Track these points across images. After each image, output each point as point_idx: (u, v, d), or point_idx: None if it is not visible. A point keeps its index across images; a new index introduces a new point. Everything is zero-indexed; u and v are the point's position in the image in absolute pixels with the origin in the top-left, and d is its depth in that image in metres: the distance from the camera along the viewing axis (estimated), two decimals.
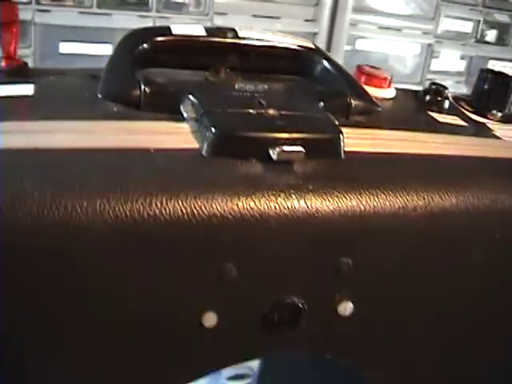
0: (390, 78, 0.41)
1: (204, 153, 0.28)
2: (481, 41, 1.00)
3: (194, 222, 0.26)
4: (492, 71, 0.44)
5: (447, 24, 0.97)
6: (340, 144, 0.30)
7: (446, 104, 0.42)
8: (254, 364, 0.47)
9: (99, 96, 0.32)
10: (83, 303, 0.26)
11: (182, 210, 0.26)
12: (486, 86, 0.44)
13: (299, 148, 0.28)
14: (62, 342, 0.26)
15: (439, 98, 0.42)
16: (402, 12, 0.91)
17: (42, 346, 0.26)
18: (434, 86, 0.42)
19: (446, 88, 0.43)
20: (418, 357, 0.33)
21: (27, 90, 0.33)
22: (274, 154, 0.28)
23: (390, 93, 0.41)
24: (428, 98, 0.42)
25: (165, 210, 0.26)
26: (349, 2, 0.87)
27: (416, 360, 0.33)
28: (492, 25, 1.02)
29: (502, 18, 1.02)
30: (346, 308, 0.30)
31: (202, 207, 0.26)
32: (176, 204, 0.26)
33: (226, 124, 0.29)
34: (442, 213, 0.30)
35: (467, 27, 1.00)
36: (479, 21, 0.99)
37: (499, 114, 0.43)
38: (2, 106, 0.31)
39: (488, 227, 0.31)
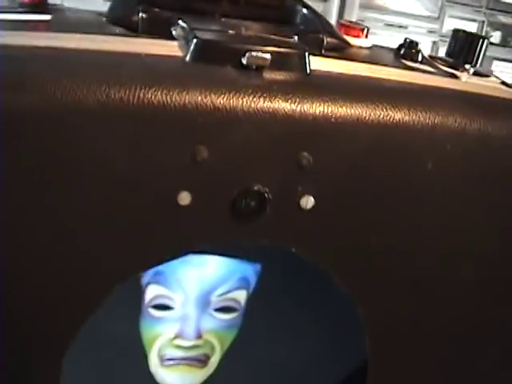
0: (366, 30, 0.46)
1: (187, 59, 0.33)
2: None
3: (172, 108, 0.31)
4: (464, 31, 0.49)
5: (452, 24, 1.02)
6: (305, 59, 0.35)
7: (420, 57, 0.46)
8: (242, 298, 0.51)
9: (105, 20, 0.38)
10: (76, 169, 0.31)
11: (162, 97, 0.31)
12: (458, 45, 0.48)
13: (267, 55, 0.33)
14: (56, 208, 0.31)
15: (413, 51, 0.46)
16: (408, 11, 0.96)
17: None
18: (408, 40, 0.47)
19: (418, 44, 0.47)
20: (379, 254, 0.37)
21: (44, 17, 0.38)
22: (244, 59, 0.33)
23: (366, 42, 0.45)
24: (403, 50, 0.47)
25: (147, 96, 0.30)
26: None
27: (376, 257, 0.37)
28: (496, 26, 1.07)
29: (506, 19, 1.06)
30: (308, 202, 0.34)
31: (180, 96, 0.31)
32: (158, 92, 0.31)
33: (207, 36, 0.34)
34: (394, 124, 0.35)
35: (471, 28, 1.04)
36: (483, 22, 1.04)
37: (471, 70, 0.48)
38: (22, 23, 0.36)
39: (438, 138, 0.36)
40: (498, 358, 0.43)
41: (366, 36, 0.45)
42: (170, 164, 0.31)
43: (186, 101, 0.31)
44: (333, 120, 0.33)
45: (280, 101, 0.32)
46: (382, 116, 0.34)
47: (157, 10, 0.38)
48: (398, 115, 0.35)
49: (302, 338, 0.54)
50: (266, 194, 0.33)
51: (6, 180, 0.30)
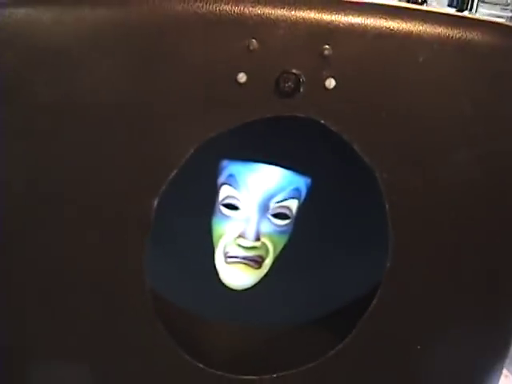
0: None
1: None
2: None
3: (233, 14, 0.45)
4: None
5: None
6: None
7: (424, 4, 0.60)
8: (294, 207, 0.63)
9: None
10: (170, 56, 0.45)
11: (228, 7, 0.45)
12: None
13: None
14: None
15: (419, 0, 0.60)
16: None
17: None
18: None
19: None
20: (389, 126, 0.49)
21: None
22: None
23: None
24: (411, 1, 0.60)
25: (218, 7, 0.45)
26: None
27: (388, 128, 0.49)
28: None
29: None
30: (331, 82, 0.47)
31: (239, 7, 0.45)
32: (224, 4, 0.45)
33: None
34: (392, 28, 0.48)
35: None
36: (509, 17, 1.17)
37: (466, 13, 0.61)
38: None
39: (427, 39, 0.48)
40: None
41: None
42: (232, 52, 0.46)
43: (243, 9, 0.45)
44: (347, 23, 0.47)
45: (308, 9, 0.46)
46: (382, 22, 0.48)
47: None
48: (394, 23, 0.48)
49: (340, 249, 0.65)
50: (300, 76, 0.47)
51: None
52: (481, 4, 1.13)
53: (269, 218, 0.60)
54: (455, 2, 0.54)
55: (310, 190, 0.62)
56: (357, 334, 0.54)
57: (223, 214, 0.60)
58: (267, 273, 0.62)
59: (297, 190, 0.60)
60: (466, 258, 0.53)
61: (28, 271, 0.48)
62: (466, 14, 0.57)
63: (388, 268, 0.51)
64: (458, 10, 0.55)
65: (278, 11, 0.46)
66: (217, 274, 0.60)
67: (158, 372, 0.53)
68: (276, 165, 0.58)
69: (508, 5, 1.14)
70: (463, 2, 0.53)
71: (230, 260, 0.60)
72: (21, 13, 0.44)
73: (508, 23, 0.61)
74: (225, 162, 0.58)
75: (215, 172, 0.58)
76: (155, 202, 0.47)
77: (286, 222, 0.61)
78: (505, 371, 0.83)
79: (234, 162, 0.58)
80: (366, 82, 0.47)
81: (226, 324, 0.63)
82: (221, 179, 0.59)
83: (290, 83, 0.46)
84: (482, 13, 1.15)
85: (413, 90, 0.48)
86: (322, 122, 0.48)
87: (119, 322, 0.51)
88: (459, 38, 0.49)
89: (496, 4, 1.16)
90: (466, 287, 0.54)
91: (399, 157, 0.50)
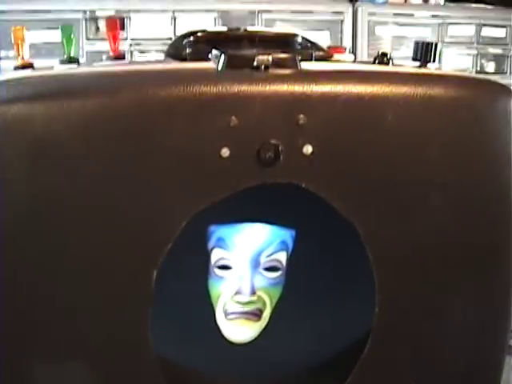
0: (346, 49, 0.64)
1: (219, 68, 0.52)
2: (481, 71, 1.22)
3: (212, 94, 0.49)
4: (422, 42, 0.66)
5: (450, 60, 1.20)
6: (296, 60, 0.53)
7: (390, 62, 0.64)
8: (283, 259, 0.65)
9: (164, 56, 0.57)
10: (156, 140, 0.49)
11: (206, 88, 0.49)
12: (417, 51, 0.65)
13: (269, 58, 0.51)
14: None
15: (385, 58, 0.64)
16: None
17: None
18: (380, 52, 0.65)
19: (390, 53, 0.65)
20: (365, 182, 0.53)
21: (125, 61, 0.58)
22: (255, 62, 0.51)
23: (348, 57, 0.64)
24: (377, 60, 0.64)
25: (196, 88, 0.49)
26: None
27: (363, 185, 0.53)
28: (489, 58, 1.25)
29: (495, 51, 1.24)
30: (308, 149, 0.51)
31: (217, 87, 0.49)
32: (202, 86, 0.49)
33: (232, 51, 0.53)
34: (360, 91, 0.52)
35: (467, 62, 1.22)
36: (476, 55, 1.22)
37: (431, 66, 0.65)
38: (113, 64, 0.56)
39: (394, 99, 0.52)
40: None
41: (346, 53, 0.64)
42: (214, 130, 0.49)
43: (221, 89, 0.49)
44: (318, 93, 0.51)
45: (281, 84, 0.50)
46: (350, 88, 0.51)
47: (198, 46, 0.58)
48: (362, 87, 0.52)
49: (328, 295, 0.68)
50: (279, 146, 0.50)
51: None
52: (446, 45, 1.18)
53: (261, 272, 0.63)
54: (419, 55, 0.58)
55: (296, 240, 0.65)
56: (354, 378, 0.57)
57: (218, 276, 0.63)
58: (268, 324, 0.64)
59: (284, 242, 0.63)
60: (447, 293, 0.56)
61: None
62: (430, 66, 0.61)
63: (376, 313, 0.54)
64: (422, 63, 0.59)
65: (253, 88, 0.49)
66: (219, 330, 0.63)
67: None
68: (261, 222, 0.61)
69: (473, 43, 1.19)
70: (426, 56, 0.57)
71: (230, 317, 0.63)
72: (14, 109, 0.48)
73: (471, 76, 0.65)
74: (212, 228, 0.61)
75: (204, 238, 0.61)
76: (154, 274, 0.50)
77: (278, 273, 0.64)
78: None
79: (221, 225, 0.61)
80: (340, 145, 0.51)
81: (232, 379, 0.66)
82: (211, 244, 0.62)
83: (270, 153, 0.50)
84: (449, 52, 1.20)
85: (384, 147, 0.52)
86: (303, 185, 0.52)
87: None
88: (423, 94, 0.53)
89: (461, 43, 1.21)
90: (452, 320, 0.57)
91: (377, 209, 0.53)
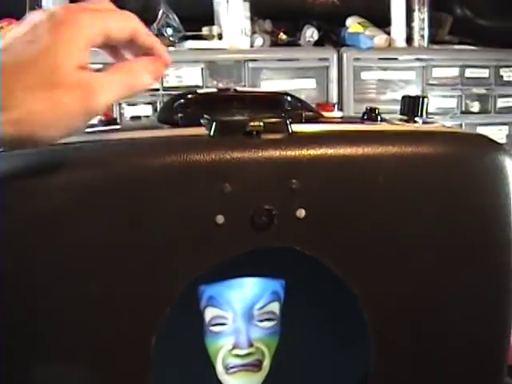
0: (334, 106, 0.65)
1: (211, 134, 0.53)
2: (466, 112, 1.24)
3: (205, 162, 0.49)
4: (409, 96, 0.67)
5: (435, 102, 1.22)
6: (287, 124, 0.54)
7: (378, 118, 0.65)
8: (276, 309, 0.66)
9: (156, 121, 0.58)
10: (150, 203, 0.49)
11: (198, 156, 0.50)
12: (406, 105, 0.66)
13: (261, 123, 0.52)
14: None
15: (373, 114, 0.65)
16: (397, 97, 1.16)
17: None
18: (368, 107, 0.66)
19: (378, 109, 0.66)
20: (357, 244, 0.53)
21: (116, 126, 0.59)
22: (247, 128, 0.52)
23: (337, 114, 0.65)
24: (366, 116, 0.65)
25: (189, 157, 0.49)
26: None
27: (355, 246, 0.53)
28: (473, 98, 1.27)
29: (479, 91, 1.27)
30: (301, 212, 0.52)
31: (210, 155, 0.50)
32: (195, 154, 0.50)
33: (222, 119, 0.53)
34: (351, 154, 0.53)
35: (452, 103, 1.24)
36: (461, 96, 1.24)
37: (420, 121, 0.66)
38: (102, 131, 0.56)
39: (385, 161, 0.53)
40: None
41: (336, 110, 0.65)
42: (208, 198, 0.50)
43: (213, 157, 0.50)
44: (309, 157, 0.51)
45: (273, 150, 0.51)
46: (341, 151, 0.52)
47: (189, 110, 0.58)
48: (352, 150, 0.53)
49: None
50: (272, 211, 0.51)
51: None
52: (431, 87, 1.20)
53: (256, 324, 0.63)
54: (406, 110, 0.59)
55: (287, 289, 0.65)
56: None
57: (214, 332, 0.63)
58: (269, 373, 0.64)
59: (275, 292, 0.64)
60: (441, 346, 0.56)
61: None
62: (418, 120, 0.62)
63: (373, 363, 0.54)
64: (409, 117, 0.60)
65: (246, 154, 0.50)
66: None
67: None
68: (250, 276, 0.61)
69: (457, 84, 1.21)
70: (414, 110, 0.58)
71: (231, 371, 0.63)
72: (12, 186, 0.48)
73: (459, 131, 0.66)
74: (202, 287, 0.61)
75: (196, 298, 0.62)
76: (153, 340, 0.50)
77: (273, 323, 0.64)
78: None
79: (211, 284, 0.61)
80: (333, 207, 0.52)
81: None
82: (203, 303, 0.63)
83: (264, 218, 0.50)
84: (433, 94, 1.22)
85: (376, 207, 0.53)
86: (297, 248, 0.52)
87: None
88: (413, 153, 0.54)
89: (445, 85, 1.23)
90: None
91: (369, 269, 0.53)
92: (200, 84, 1.09)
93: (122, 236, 0.49)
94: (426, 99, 0.66)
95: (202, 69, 1.08)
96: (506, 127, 1.29)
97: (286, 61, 1.15)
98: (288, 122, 0.53)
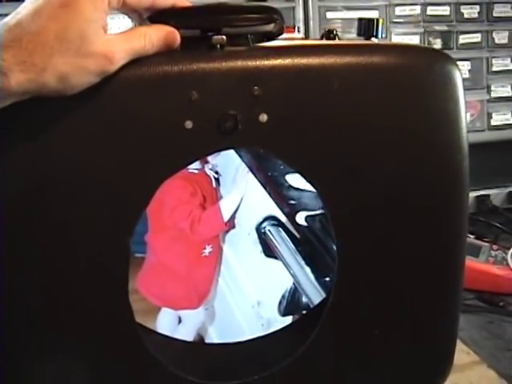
0: (296, 30, 0.69)
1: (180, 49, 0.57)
2: None
3: (174, 72, 0.54)
4: (365, 18, 0.72)
5: (398, 39, 1.27)
6: (249, 39, 0.58)
7: (336, 38, 0.70)
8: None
9: None
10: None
11: (169, 67, 0.54)
12: (361, 27, 0.71)
13: (224, 37, 0.56)
14: None
15: (331, 35, 0.70)
16: None
17: None
18: (327, 29, 0.70)
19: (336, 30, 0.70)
20: (317, 145, 0.58)
21: None
22: (213, 40, 0.56)
23: (297, 35, 0.69)
24: (324, 36, 0.70)
25: (164, 67, 0.54)
26: None
27: (315, 147, 0.58)
28: (436, 35, 1.32)
29: (441, 28, 1.32)
30: (264, 117, 0.56)
31: (178, 65, 0.54)
32: (168, 64, 0.54)
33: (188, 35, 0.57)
34: (308, 62, 0.57)
35: (415, 40, 1.29)
36: (423, 33, 1.29)
37: (374, 40, 0.70)
38: None
39: (339, 68, 0.58)
40: None
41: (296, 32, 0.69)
42: (177, 105, 0.54)
43: (181, 67, 0.54)
44: (270, 66, 0.56)
45: (236, 60, 0.55)
46: (299, 60, 0.57)
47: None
48: (309, 59, 0.57)
49: None
50: (237, 116, 0.55)
51: None
52: (394, 24, 1.25)
53: None
54: (362, 31, 0.63)
55: None
56: (318, 332, 0.62)
57: None
58: None
59: None
60: (400, 241, 0.61)
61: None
62: (373, 39, 0.67)
63: (337, 266, 0.60)
64: (366, 38, 0.64)
65: (211, 65, 0.55)
66: None
67: None
68: None
69: (419, 21, 1.26)
70: (369, 31, 0.62)
71: None
72: None
73: (411, 44, 0.71)
74: None
75: None
76: (130, 240, 0.55)
77: None
78: (465, 348, 0.92)
79: None
80: (292, 112, 0.56)
81: None
82: None
83: (229, 123, 0.55)
84: (397, 32, 1.27)
85: (332, 112, 0.57)
86: (261, 150, 0.57)
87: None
88: (365, 63, 0.58)
89: (408, 23, 1.28)
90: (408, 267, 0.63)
91: (330, 169, 0.58)
92: None
93: (98, 143, 0.54)
94: (380, 21, 0.71)
95: None
96: (468, 62, 1.34)
97: (254, 1, 1.18)
98: (250, 36, 0.58)
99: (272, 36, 0.60)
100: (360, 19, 0.70)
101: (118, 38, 0.50)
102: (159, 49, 0.53)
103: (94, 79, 0.49)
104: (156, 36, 0.52)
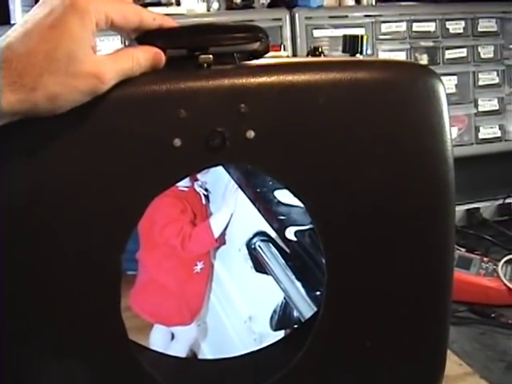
0: (281, 48, 0.71)
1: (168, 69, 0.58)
2: None
3: (162, 91, 0.55)
4: (350, 35, 0.73)
5: (385, 56, 1.29)
6: (235, 57, 0.59)
7: (322, 55, 0.71)
8: None
9: None
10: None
11: (158, 87, 0.55)
12: (346, 44, 0.72)
13: (210, 56, 0.57)
14: None
15: (317, 52, 0.71)
16: None
17: None
18: (313, 47, 0.72)
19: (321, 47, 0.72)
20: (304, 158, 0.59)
21: None
22: (198, 61, 0.57)
23: (282, 53, 0.70)
24: (310, 54, 0.71)
25: (152, 87, 0.55)
26: None
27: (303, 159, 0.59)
28: (422, 51, 1.34)
29: (427, 43, 1.34)
30: (251, 134, 0.57)
31: (165, 85, 0.55)
32: (152, 85, 0.55)
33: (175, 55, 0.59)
34: (293, 79, 0.58)
35: (401, 56, 1.31)
36: (409, 49, 1.31)
37: (360, 56, 0.72)
38: None
39: (324, 85, 0.59)
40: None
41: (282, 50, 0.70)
42: (165, 123, 0.55)
43: (169, 86, 0.55)
44: (256, 83, 0.57)
45: (222, 78, 0.56)
46: (284, 78, 0.58)
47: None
48: (294, 77, 0.58)
49: None
50: (224, 133, 0.57)
51: None
52: (380, 41, 1.27)
53: None
54: (347, 48, 0.64)
55: None
56: (309, 346, 0.62)
57: None
58: None
59: None
60: (388, 251, 0.62)
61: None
62: (359, 56, 0.68)
63: (325, 283, 0.60)
64: (351, 55, 0.66)
65: (198, 83, 0.56)
66: None
67: None
68: None
69: (405, 38, 1.28)
70: (354, 47, 0.64)
71: None
72: None
73: (394, 59, 0.73)
74: None
75: None
76: (122, 257, 0.56)
77: None
78: (458, 359, 0.92)
79: None
80: (279, 128, 0.57)
81: None
82: None
83: (217, 140, 0.56)
84: (383, 49, 1.29)
85: (318, 128, 0.58)
86: (249, 166, 0.58)
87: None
88: (350, 78, 0.60)
89: (394, 39, 1.30)
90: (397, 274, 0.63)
91: (319, 184, 0.59)
92: None
93: (88, 161, 0.54)
94: (365, 37, 0.72)
95: None
96: (455, 77, 1.36)
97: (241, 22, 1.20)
98: (236, 54, 0.59)
99: (258, 54, 0.61)
100: (345, 36, 0.72)
101: (108, 59, 0.51)
102: (146, 69, 0.54)
103: (84, 99, 0.50)
104: (143, 57, 0.54)
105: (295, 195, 0.59)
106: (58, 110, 0.50)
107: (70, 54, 0.48)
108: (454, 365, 0.90)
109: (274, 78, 0.57)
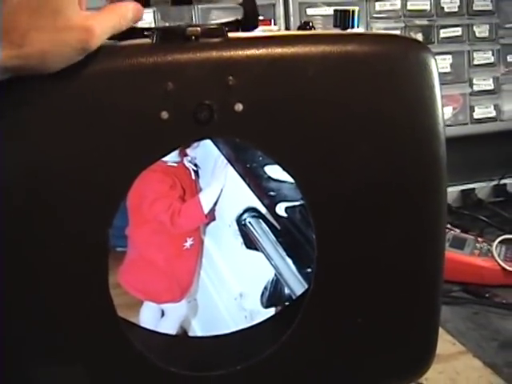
0: (272, 22, 0.70)
1: (154, 41, 0.57)
2: None
3: (150, 63, 0.54)
4: (341, 9, 0.72)
5: None
6: (223, 30, 0.58)
7: (312, 29, 0.70)
8: None
9: None
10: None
11: (144, 59, 0.54)
12: (337, 18, 0.71)
13: (198, 28, 0.57)
14: None
15: (307, 26, 0.70)
16: None
17: None
18: (303, 21, 0.70)
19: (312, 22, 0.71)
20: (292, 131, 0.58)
21: None
22: (186, 33, 0.56)
23: (273, 27, 0.69)
24: (300, 28, 0.70)
25: (139, 59, 0.54)
26: None
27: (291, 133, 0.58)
28: (416, 30, 1.33)
29: (421, 22, 1.33)
30: (239, 106, 0.56)
31: (153, 57, 0.54)
32: (143, 56, 0.54)
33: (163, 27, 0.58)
34: (283, 51, 0.57)
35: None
36: (403, 27, 1.30)
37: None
38: None
39: (314, 57, 0.58)
40: None
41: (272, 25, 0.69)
42: (153, 95, 0.54)
43: (156, 59, 0.54)
44: (244, 56, 0.56)
45: (210, 51, 0.56)
46: (273, 50, 0.57)
47: None
48: (283, 49, 0.57)
49: None
50: (212, 106, 0.56)
51: None
52: (375, 20, 1.26)
53: None
54: (338, 22, 0.64)
55: None
56: (300, 321, 0.62)
57: None
58: None
59: None
60: (380, 226, 0.62)
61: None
62: (349, 31, 0.67)
63: (316, 259, 0.60)
64: (342, 29, 0.65)
65: (186, 55, 0.55)
66: None
67: None
68: None
69: (400, 17, 1.27)
70: (345, 22, 0.63)
71: None
72: None
73: (385, 33, 0.72)
74: None
75: None
76: (110, 231, 0.55)
77: None
78: (451, 338, 0.92)
79: None
80: (267, 101, 0.57)
81: None
82: None
83: (204, 113, 0.55)
84: (377, 27, 1.28)
85: (307, 101, 0.58)
86: (238, 140, 0.57)
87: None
88: (340, 51, 0.59)
89: (389, 18, 1.29)
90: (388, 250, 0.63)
91: (308, 158, 0.59)
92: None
93: (75, 133, 0.54)
94: (355, 11, 0.71)
95: (154, 11, 1.11)
96: (450, 56, 1.35)
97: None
98: (224, 28, 0.58)
99: (246, 26, 0.60)
100: (336, 11, 0.71)
101: (95, 14, 0.51)
102: (130, 24, 0.54)
103: (75, 56, 0.49)
104: (130, 12, 0.54)
105: (285, 170, 0.58)
106: (50, 68, 0.49)
107: (55, 9, 0.48)
108: (447, 344, 0.90)
109: (262, 51, 0.56)
